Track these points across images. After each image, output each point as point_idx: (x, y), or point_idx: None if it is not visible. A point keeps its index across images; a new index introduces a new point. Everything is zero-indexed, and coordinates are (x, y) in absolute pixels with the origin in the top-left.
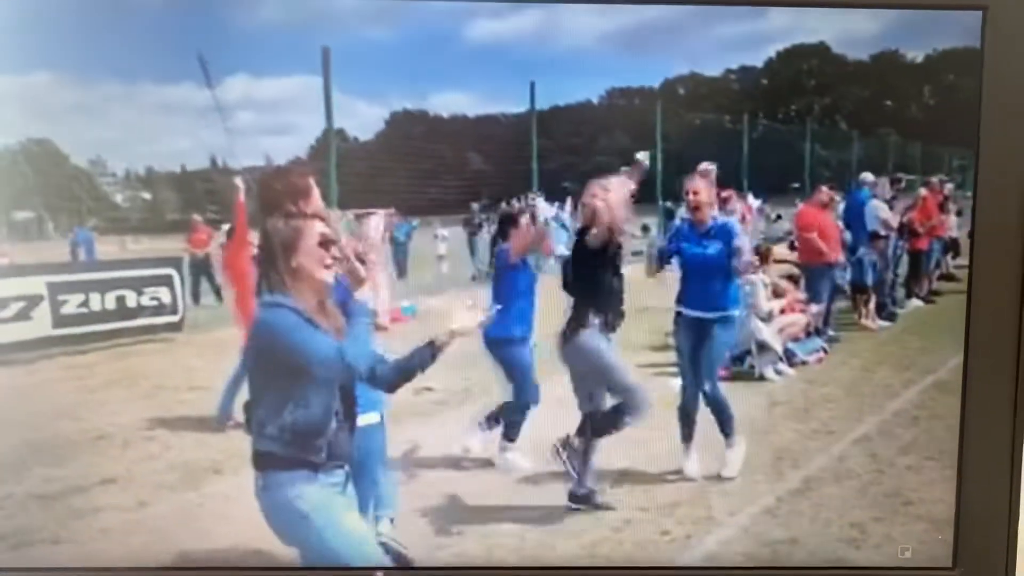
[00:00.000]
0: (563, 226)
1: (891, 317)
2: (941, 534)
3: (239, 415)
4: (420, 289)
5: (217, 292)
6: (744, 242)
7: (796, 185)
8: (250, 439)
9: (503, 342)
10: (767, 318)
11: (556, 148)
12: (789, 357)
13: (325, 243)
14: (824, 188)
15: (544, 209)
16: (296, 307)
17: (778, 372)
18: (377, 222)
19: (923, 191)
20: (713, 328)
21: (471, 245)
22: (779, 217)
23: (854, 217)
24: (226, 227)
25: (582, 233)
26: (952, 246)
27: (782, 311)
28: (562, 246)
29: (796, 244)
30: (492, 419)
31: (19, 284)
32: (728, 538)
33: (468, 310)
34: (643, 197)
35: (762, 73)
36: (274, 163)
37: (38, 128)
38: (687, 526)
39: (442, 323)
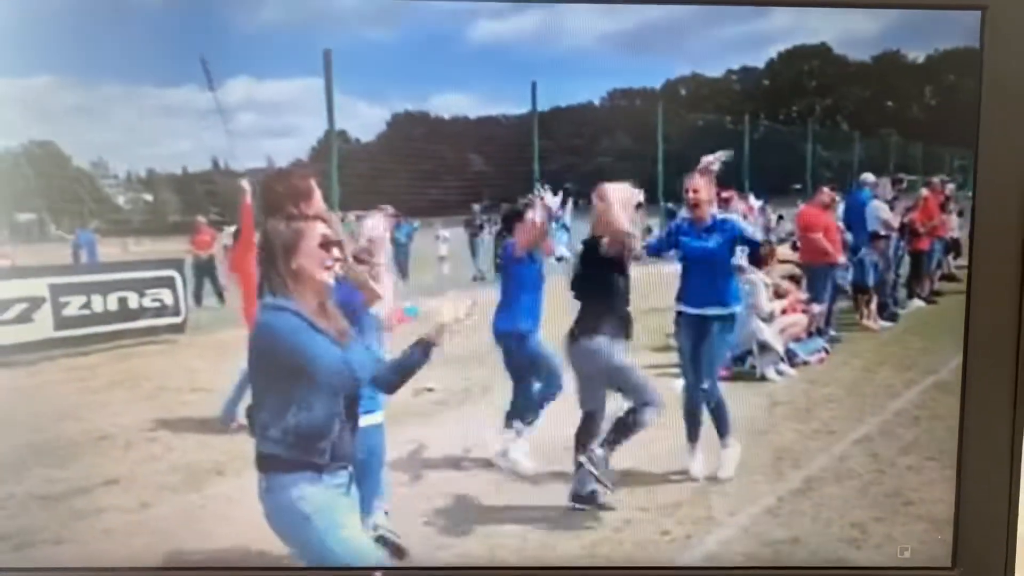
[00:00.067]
0: (564, 227)
1: (892, 317)
2: (941, 534)
3: (243, 417)
4: (421, 290)
5: (219, 294)
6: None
7: (798, 186)
8: (253, 442)
9: (512, 335)
10: (768, 318)
11: (557, 149)
12: (790, 357)
13: (326, 245)
14: (825, 189)
15: (551, 201)
16: (298, 310)
17: (779, 372)
18: (375, 222)
19: (924, 191)
20: (713, 326)
21: (472, 246)
22: (781, 218)
23: (855, 218)
24: (231, 229)
25: (592, 237)
26: (953, 246)
27: (783, 311)
28: (563, 247)
29: (798, 244)
30: (516, 418)
31: (21, 286)
32: (729, 538)
33: (454, 302)
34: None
35: (763, 74)
36: (275, 165)
37: (40, 130)
38: (687, 526)
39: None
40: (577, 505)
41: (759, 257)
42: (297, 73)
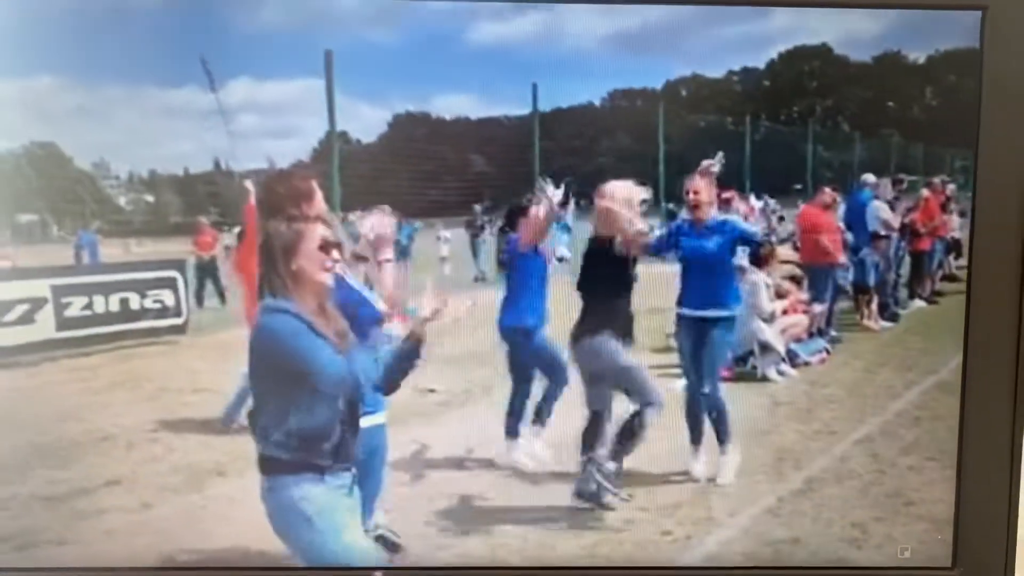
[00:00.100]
0: (565, 227)
1: (893, 318)
2: (941, 534)
3: (244, 419)
4: (423, 291)
5: (221, 295)
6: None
7: (798, 186)
8: (254, 443)
9: (518, 331)
10: (769, 319)
11: (558, 150)
12: (792, 358)
13: (326, 246)
14: (827, 189)
15: (553, 193)
16: (299, 312)
17: (780, 373)
18: (378, 221)
19: (925, 192)
20: (714, 330)
21: (473, 247)
22: (782, 218)
23: (855, 218)
24: (236, 230)
25: (596, 236)
26: (955, 247)
27: (784, 312)
28: (564, 247)
29: (798, 245)
30: (538, 418)
31: (23, 287)
32: (729, 538)
33: (434, 295)
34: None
35: (764, 74)
36: (276, 166)
37: (41, 131)
38: (688, 526)
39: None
40: (580, 503)
41: (759, 255)
42: (298, 74)
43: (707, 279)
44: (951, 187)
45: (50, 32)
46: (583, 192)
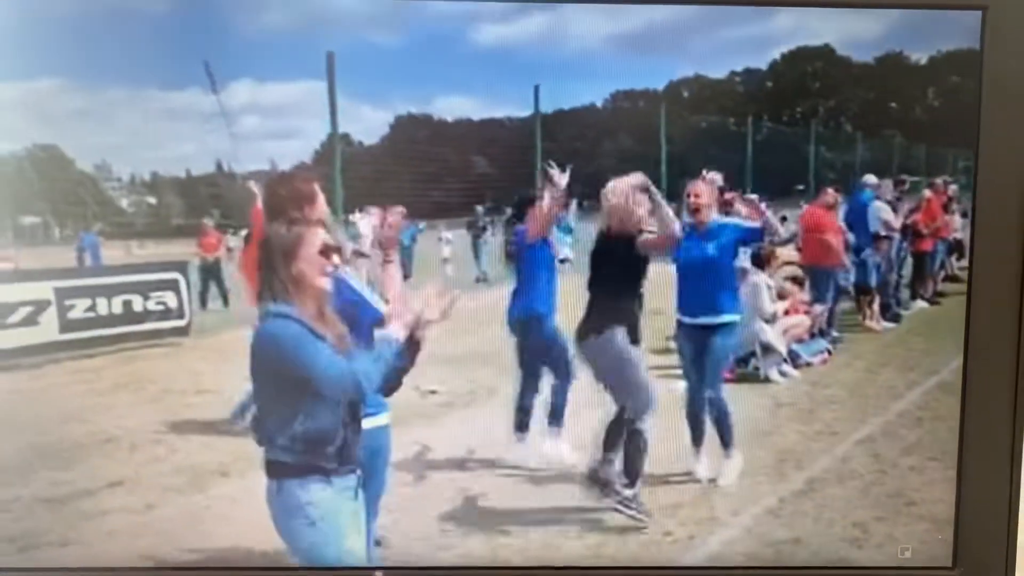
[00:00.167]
0: (567, 230)
1: (895, 318)
2: (942, 534)
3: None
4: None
5: (224, 297)
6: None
7: (800, 187)
8: (260, 447)
9: (528, 321)
10: (771, 320)
11: (560, 151)
12: (793, 359)
13: (326, 251)
14: (830, 190)
15: (559, 178)
16: (300, 317)
17: (782, 374)
18: (378, 221)
19: (927, 192)
20: (714, 337)
21: (475, 248)
22: (784, 219)
23: (857, 219)
24: (244, 233)
25: (603, 234)
26: (957, 247)
27: (786, 312)
28: (566, 248)
29: (800, 246)
30: (554, 417)
31: (26, 289)
32: (731, 538)
33: (434, 296)
34: None
35: (766, 75)
36: (278, 168)
37: (44, 133)
38: (690, 527)
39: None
40: (590, 484)
41: (760, 255)
42: (300, 76)
43: (705, 285)
44: (953, 188)
45: (52, 34)
46: (585, 193)
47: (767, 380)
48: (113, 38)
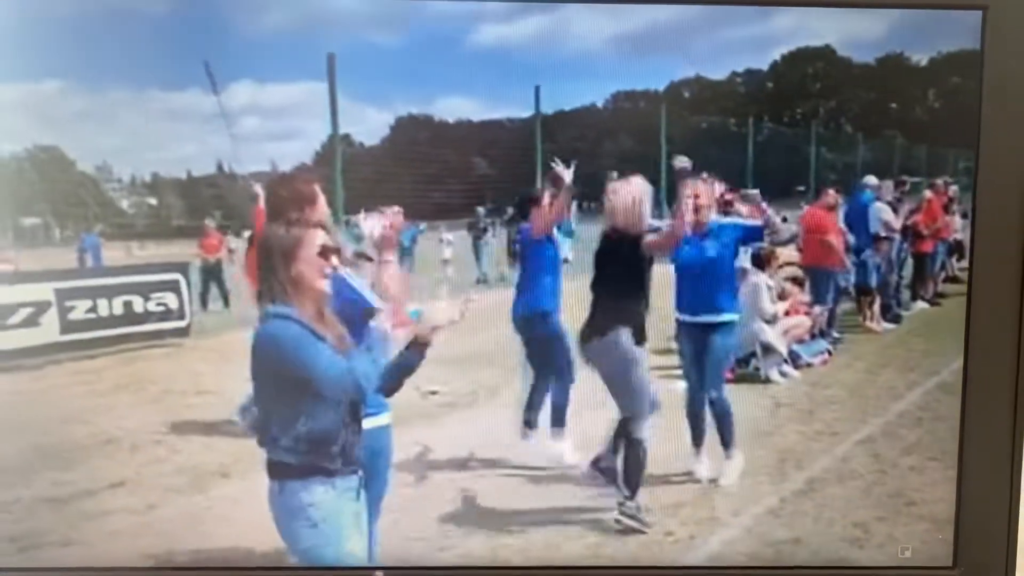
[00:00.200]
0: (568, 231)
1: (896, 319)
2: (942, 534)
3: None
4: (425, 293)
5: (225, 298)
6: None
7: (801, 188)
8: (262, 449)
9: (532, 318)
10: (771, 320)
11: (561, 152)
12: (794, 359)
13: (325, 252)
14: (831, 191)
15: (565, 173)
16: (300, 318)
17: (783, 374)
18: (378, 222)
19: (928, 193)
20: (713, 336)
21: (476, 249)
22: (785, 219)
23: (857, 220)
24: (247, 234)
25: (606, 235)
26: (957, 248)
27: (786, 313)
28: (566, 249)
29: (801, 246)
30: (556, 417)
31: (27, 290)
32: (732, 538)
33: (447, 304)
34: None
35: (767, 76)
36: (279, 169)
37: (44, 135)
38: (691, 527)
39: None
40: (595, 473)
41: (761, 255)
42: (301, 77)
43: (704, 284)
44: (954, 188)
45: (53, 36)
46: (585, 194)
47: (767, 380)
48: (114, 39)
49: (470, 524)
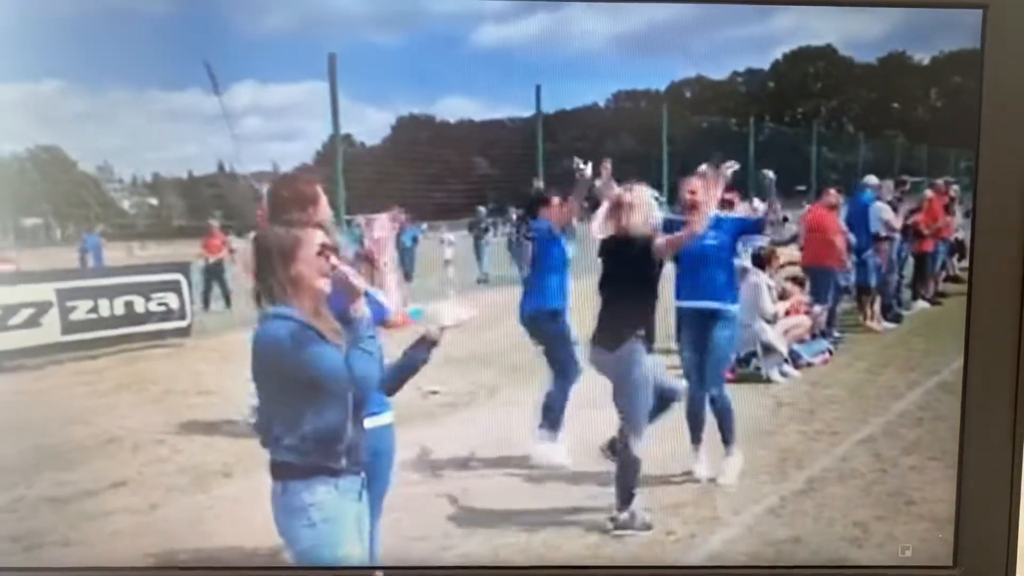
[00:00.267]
0: (570, 233)
1: (896, 319)
2: (942, 533)
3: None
4: (426, 293)
5: (227, 298)
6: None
7: (802, 188)
8: (265, 449)
9: (540, 316)
10: (772, 320)
11: (562, 152)
12: (794, 359)
13: (324, 252)
14: (832, 191)
15: (583, 167)
16: (300, 318)
17: (783, 374)
18: (382, 223)
19: (929, 193)
20: (712, 326)
21: (477, 249)
22: (786, 219)
23: (858, 220)
24: (252, 234)
25: (612, 236)
26: (958, 248)
27: (787, 313)
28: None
29: (802, 246)
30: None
31: (28, 291)
32: (732, 538)
33: (457, 306)
34: None
35: (768, 76)
36: (280, 169)
37: (46, 135)
38: (692, 526)
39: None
40: (605, 454)
41: (761, 254)
42: (302, 77)
43: (704, 273)
44: (955, 188)
45: (54, 36)
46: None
47: (768, 380)
48: (115, 39)
49: (471, 524)
